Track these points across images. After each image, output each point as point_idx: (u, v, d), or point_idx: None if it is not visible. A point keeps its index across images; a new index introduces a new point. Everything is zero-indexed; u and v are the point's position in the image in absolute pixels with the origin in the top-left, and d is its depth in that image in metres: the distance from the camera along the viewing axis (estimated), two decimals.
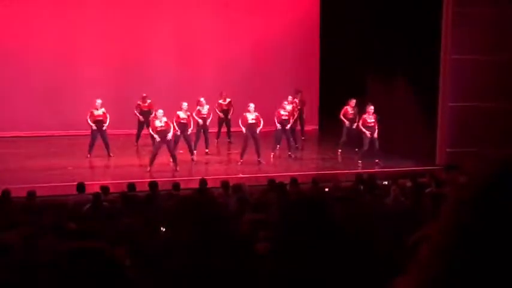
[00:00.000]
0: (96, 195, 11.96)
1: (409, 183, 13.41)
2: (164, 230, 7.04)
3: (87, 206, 11.64)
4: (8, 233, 5.83)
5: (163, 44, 23.75)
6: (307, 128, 23.67)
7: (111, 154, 19.33)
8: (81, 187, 13.24)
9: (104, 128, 19.23)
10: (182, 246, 3.55)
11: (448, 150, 18.28)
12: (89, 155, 19.15)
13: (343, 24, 22.46)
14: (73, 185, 13.60)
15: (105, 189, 12.93)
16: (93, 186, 13.57)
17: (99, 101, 19.38)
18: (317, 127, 24.75)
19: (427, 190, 12.34)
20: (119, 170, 18.32)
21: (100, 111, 19.26)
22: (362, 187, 13.20)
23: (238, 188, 12.93)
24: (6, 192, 12.38)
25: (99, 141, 19.18)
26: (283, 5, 24.78)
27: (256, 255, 4.06)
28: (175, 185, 13.63)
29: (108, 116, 19.24)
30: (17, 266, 3.87)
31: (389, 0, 20.04)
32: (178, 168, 17.68)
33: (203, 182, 13.70)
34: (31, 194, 12.38)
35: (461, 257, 1.10)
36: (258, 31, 24.41)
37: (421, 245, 1.19)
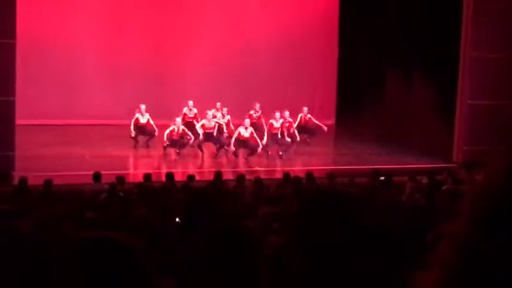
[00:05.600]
0: (112, 185, 12.00)
1: (425, 180, 13.37)
2: (178, 220, 7.05)
3: (103, 195, 11.68)
4: (24, 221, 5.86)
5: (187, 42, 23.88)
6: (325, 122, 23.68)
7: (149, 145, 19.21)
8: (97, 176, 13.28)
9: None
10: (195, 237, 3.55)
11: (465, 148, 18.18)
12: (135, 147, 19.15)
13: (363, 20, 22.38)
14: (89, 174, 13.64)
15: (120, 179, 12.97)
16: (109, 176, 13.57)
17: (143, 107, 19.31)
18: (334, 122, 24.68)
19: (444, 187, 12.30)
20: (135, 160, 18.41)
21: (145, 119, 19.23)
22: (378, 183, 13.19)
23: (255, 181, 12.96)
24: (24, 180, 12.46)
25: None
26: (301, 3, 24.71)
27: (266, 249, 4.05)
28: (190, 177, 13.65)
29: (152, 122, 19.24)
30: (32, 254, 3.88)
31: (410, 2, 19.95)
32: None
33: (218, 174, 13.71)
34: (48, 183, 12.43)
35: (484, 255, 1.09)
36: (276, 26, 24.35)
37: (440, 241, 1.17)
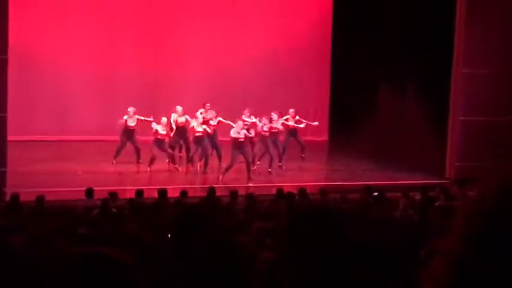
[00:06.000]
0: (104, 201, 11.97)
1: (418, 196, 13.38)
2: (170, 236, 7.04)
3: (96, 211, 11.65)
4: (17, 237, 5.83)
5: (187, 53, 23.89)
6: (318, 138, 23.69)
7: (140, 161, 19.16)
8: (89, 192, 13.25)
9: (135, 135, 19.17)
10: (188, 253, 3.54)
11: (457, 164, 18.21)
12: (114, 161, 19.07)
13: (355, 36, 22.46)
14: (82, 190, 13.60)
15: (113, 195, 12.95)
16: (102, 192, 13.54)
17: (131, 109, 19.20)
18: (327, 138, 24.69)
19: (436, 203, 12.31)
20: (128, 176, 18.37)
21: (133, 121, 19.14)
22: (371, 199, 13.19)
23: (247, 197, 12.96)
24: (15, 197, 12.41)
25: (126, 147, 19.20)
26: (294, 17, 24.76)
27: (258, 267, 4.05)
28: (183, 193, 13.63)
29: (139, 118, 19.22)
30: (24, 269, 3.87)
31: (401, 13, 20.03)
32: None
33: (211, 190, 13.69)
34: (40, 199, 12.39)
35: (477, 271, 1.09)
36: (267, 42, 24.38)
37: (433, 257, 1.17)
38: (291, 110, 20.21)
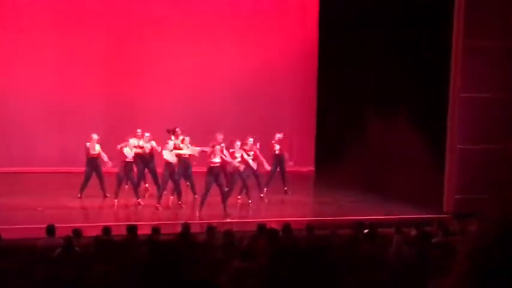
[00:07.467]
0: (67, 239, 11.88)
1: (413, 232, 13.38)
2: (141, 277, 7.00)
3: (58, 250, 11.56)
4: None
5: (157, 75, 23.92)
6: (304, 169, 23.73)
7: (107, 194, 19.03)
8: (50, 230, 13.13)
9: (100, 166, 19.02)
10: None
11: (456, 196, 18.23)
12: (79, 195, 18.99)
13: (343, 61, 22.55)
14: (42, 227, 13.48)
15: (77, 232, 12.84)
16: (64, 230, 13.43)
17: (95, 137, 19.06)
18: (313, 168, 24.74)
19: (434, 240, 12.34)
20: (95, 211, 18.27)
21: (96, 150, 18.96)
22: (362, 235, 13.18)
23: (225, 233, 12.90)
24: None
25: (93, 180, 19.05)
26: (278, 40, 24.88)
27: None
28: (155, 230, 13.54)
29: (102, 153, 18.95)
30: None
31: (394, 35, 20.18)
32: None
33: (186, 226, 13.62)
34: None
35: None
36: (249, 67, 24.47)
37: None
38: (279, 135, 20.30)
